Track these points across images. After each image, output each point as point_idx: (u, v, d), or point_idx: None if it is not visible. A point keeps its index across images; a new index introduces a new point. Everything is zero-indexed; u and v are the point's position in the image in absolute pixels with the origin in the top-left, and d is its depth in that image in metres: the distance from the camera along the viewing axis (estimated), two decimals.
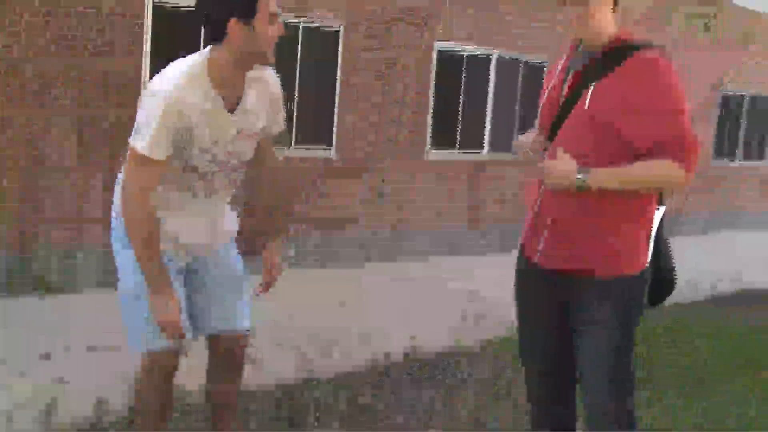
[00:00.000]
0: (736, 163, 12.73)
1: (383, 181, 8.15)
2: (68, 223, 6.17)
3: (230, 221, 2.80)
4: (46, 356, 4.48)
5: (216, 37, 2.40)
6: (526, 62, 9.28)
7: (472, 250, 8.97)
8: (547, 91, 2.67)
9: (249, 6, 2.34)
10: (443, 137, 8.68)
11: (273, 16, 2.39)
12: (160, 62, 6.29)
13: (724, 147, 12.42)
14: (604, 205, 2.47)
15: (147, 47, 6.42)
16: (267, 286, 2.85)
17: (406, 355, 4.95)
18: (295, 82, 7.34)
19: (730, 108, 12.40)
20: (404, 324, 5.72)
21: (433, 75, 8.45)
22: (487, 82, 9.00)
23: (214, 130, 2.47)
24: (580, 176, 2.38)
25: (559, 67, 2.66)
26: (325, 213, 7.74)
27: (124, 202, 2.44)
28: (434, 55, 8.43)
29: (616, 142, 2.42)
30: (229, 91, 2.48)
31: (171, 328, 2.47)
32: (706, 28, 8.93)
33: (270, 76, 2.65)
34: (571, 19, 2.48)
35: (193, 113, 2.39)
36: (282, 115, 2.74)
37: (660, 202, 2.61)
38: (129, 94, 6.25)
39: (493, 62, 8.99)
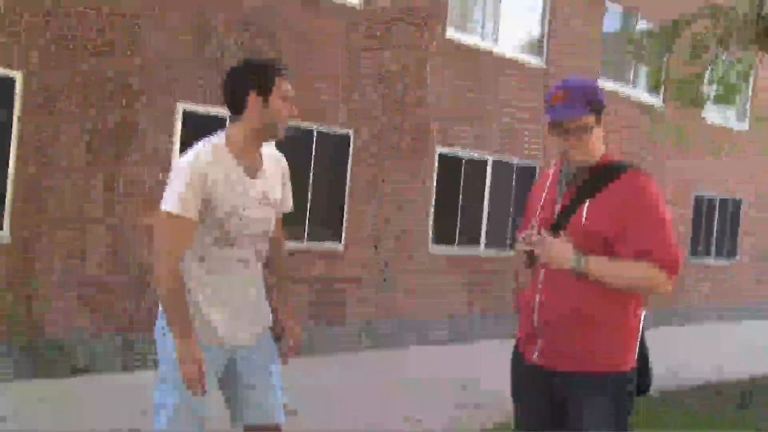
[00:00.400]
0: (710, 261, 12.77)
1: (386, 264, 8.15)
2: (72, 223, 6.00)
3: (266, 311, 2.78)
4: None
5: (236, 108, 2.56)
6: (518, 165, 9.45)
7: (469, 338, 8.89)
8: (540, 204, 2.71)
9: (266, 83, 2.53)
10: (444, 233, 8.75)
11: (286, 96, 2.56)
12: None
13: (699, 246, 12.49)
14: (602, 306, 2.51)
15: (176, 149, 6.53)
16: (293, 348, 2.79)
17: None
18: (309, 181, 7.45)
19: (703, 210, 12.54)
20: (405, 410, 5.62)
21: (434, 176, 8.59)
22: (484, 183, 9.14)
23: (239, 193, 2.54)
24: (575, 258, 2.44)
25: (549, 182, 2.73)
26: (332, 306, 7.73)
27: (156, 258, 2.46)
28: (436, 159, 8.60)
29: (607, 250, 2.49)
30: (248, 161, 2.58)
31: (193, 378, 2.44)
32: (680, 140, 9.25)
33: (279, 154, 2.77)
34: (567, 145, 2.56)
35: (217, 176, 2.48)
36: (290, 193, 2.81)
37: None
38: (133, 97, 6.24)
39: (489, 165, 9.16)
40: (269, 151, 2.70)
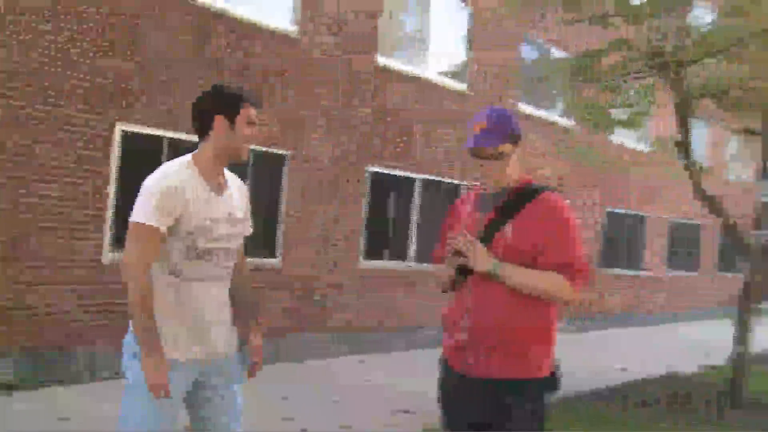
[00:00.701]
0: (616, 271, 13.28)
1: (318, 288, 8.18)
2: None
3: (233, 328, 2.77)
4: None
5: (203, 129, 2.61)
6: (445, 183, 9.65)
7: (396, 348, 8.99)
8: (462, 224, 2.82)
9: (233, 107, 2.60)
10: (374, 249, 8.85)
11: (251, 121, 2.62)
12: (126, 181, 6.27)
13: (609, 257, 12.99)
14: (529, 315, 2.64)
15: (115, 165, 6.40)
16: (255, 367, 2.81)
17: None
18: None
19: (613, 225, 13.07)
20: (341, 419, 5.66)
21: (366, 194, 8.68)
22: (412, 200, 9.29)
23: (207, 210, 2.57)
24: (493, 263, 2.60)
25: (470, 205, 2.86)
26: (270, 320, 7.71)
27: (126, 269, 2.46)
28: (367, 177, 8.70)
29: (527, 265, 2.63)
30: (214, 180, 2.63)
31: (159, 389, 2.45)
32: (590, 161, 9.69)
33: (238, 179, 2.82)
34: (486, 170, 2.71)
35: (187, 193, 2.52)
36: (249, 215, 2.84)
37: None
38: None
39: (418, 183, 9.32)
40: (231, 175, 2.76)
